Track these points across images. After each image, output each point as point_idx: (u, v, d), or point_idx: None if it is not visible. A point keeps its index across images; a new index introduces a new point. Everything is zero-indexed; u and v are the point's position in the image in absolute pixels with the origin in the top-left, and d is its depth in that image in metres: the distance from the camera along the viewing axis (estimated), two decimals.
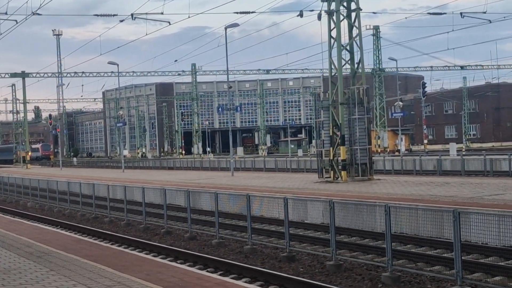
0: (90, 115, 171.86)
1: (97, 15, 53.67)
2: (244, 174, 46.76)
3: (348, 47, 33.51)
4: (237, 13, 45.72)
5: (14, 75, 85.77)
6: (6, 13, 47.88)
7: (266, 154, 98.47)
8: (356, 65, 33.60)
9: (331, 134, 32.73)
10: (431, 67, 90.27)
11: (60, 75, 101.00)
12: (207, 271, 14.32)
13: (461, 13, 51.38)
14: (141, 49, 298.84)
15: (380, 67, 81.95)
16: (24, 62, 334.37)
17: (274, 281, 13.86)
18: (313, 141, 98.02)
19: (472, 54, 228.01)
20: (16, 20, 48.89)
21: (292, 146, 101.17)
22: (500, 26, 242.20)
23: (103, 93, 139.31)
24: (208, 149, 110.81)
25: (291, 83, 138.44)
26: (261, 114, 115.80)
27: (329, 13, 33.10)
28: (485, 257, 14.70)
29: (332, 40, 33.17)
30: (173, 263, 14.34)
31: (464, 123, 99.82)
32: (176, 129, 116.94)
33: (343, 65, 33.42)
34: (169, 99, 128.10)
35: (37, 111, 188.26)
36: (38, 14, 45.90)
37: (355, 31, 33.45)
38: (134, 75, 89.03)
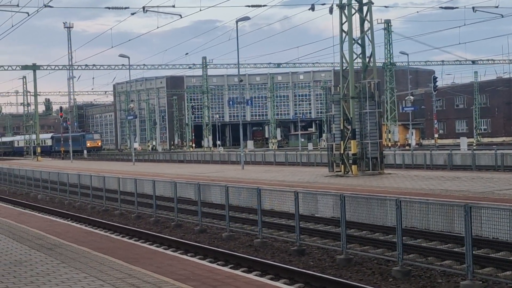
0: (100, 108, 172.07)
1: (109, 8, 53.74)
2: (254, 168, 46.76)
3: (359, 41, 33.43)
4: (248, 6, 45.72)
5: (25, 67, 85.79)
6: (17, 5, 48.08)
7: (276, 148, 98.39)
8: (367, 59, 33.51)
9: (341, 128, 32.66)
10: (442, 61, 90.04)
11: (71, 68, 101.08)
12: (218, 264, 14.33)
13: (473, 8, 51.22)
14: (152, 42, 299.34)
15: (391, 61, 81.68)
16: (35, 54, 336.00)
17: (284, 274, 13.87)
18: (324, 135, 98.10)
19: (483, 49, 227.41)
20: (27, 13, 49.04)
21: (303, 139, 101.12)
22: None
23: (114, 86, 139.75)
24: (218, 142, 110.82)
25: (301, 77, 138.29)
26: (271, 107, 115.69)
27: (341, 7, 33.02)
28: (496, 251, 14.66)
29: (344, 34, 33.10)
30: (184, 256, 14.36)
31: (475, 118, 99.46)
32: (187, 122, 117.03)
33: (354, 59, 33.38)
34: (180, 92, 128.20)
35: (47, 103, 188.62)
36: (50, 6, 45.93)
37: (366, 25, 33.36)
38: (145, 68, 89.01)
